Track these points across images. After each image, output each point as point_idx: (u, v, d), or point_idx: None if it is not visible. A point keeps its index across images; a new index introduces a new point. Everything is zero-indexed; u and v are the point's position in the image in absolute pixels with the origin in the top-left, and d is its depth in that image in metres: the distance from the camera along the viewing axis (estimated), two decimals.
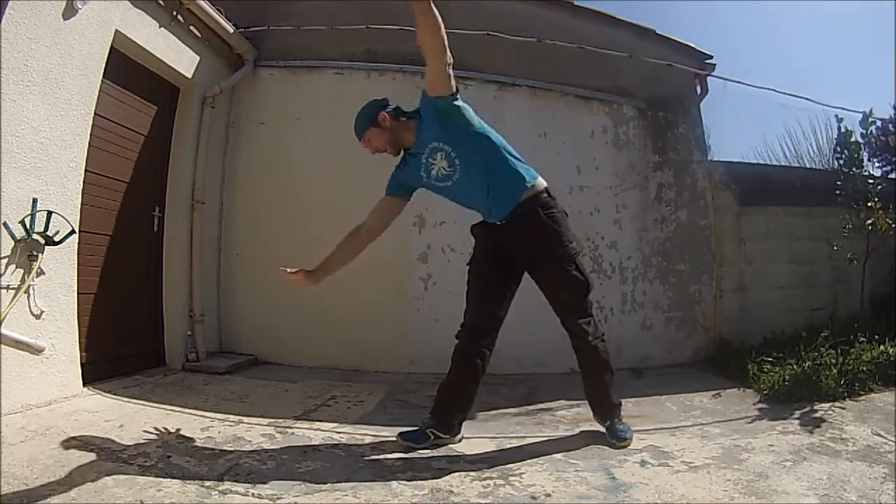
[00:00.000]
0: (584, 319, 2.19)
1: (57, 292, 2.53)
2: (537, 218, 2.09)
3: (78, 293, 2.66)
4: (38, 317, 2.41)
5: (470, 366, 2.16)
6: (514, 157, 2.14)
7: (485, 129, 2.12)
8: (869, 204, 3.53)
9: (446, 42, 1.97)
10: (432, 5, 1.91)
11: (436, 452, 2.06)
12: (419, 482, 1.77)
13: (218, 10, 3.57)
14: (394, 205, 2.24)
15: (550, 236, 2.13)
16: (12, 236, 2.29)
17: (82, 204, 2.69)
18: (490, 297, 2.22)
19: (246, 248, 3.90)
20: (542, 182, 2.17)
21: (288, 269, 2.14)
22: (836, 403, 2.65)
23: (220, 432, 2.19)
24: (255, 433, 2.21)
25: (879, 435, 2.22)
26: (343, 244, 2.24)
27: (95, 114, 2.74)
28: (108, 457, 1.85)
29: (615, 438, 2.14)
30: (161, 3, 3.13)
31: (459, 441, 2.18)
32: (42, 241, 2.40)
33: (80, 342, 2.65)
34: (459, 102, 2.05)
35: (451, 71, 1.99)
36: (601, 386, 2.23)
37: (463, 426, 2.23)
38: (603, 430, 2.22)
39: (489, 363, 2.20)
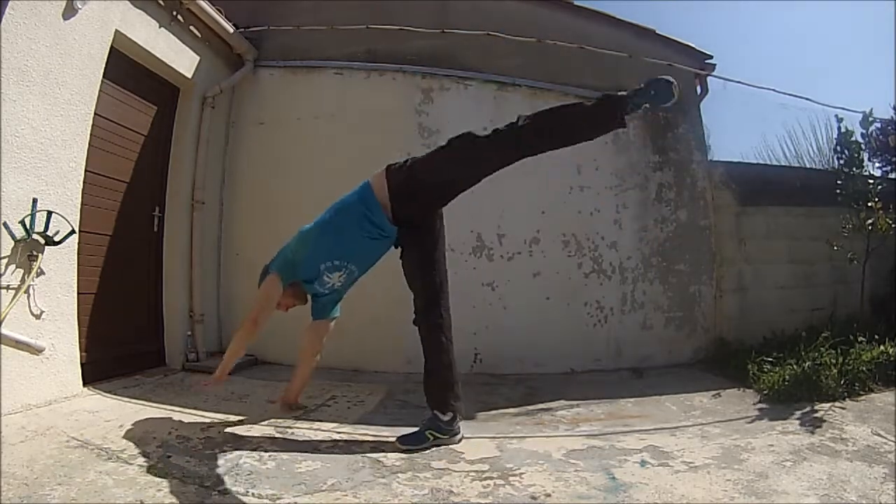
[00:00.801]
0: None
1: (57, 292, 2.53)
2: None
3: (78, 293, 2.66)
4: (38, 317, 2.41)
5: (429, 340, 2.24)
6: (341, 203, 2.29)
7: (319, 225, 2.29)
8: (869, 204, 3.53)
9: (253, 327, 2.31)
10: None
11: (436, 452, 2.06)
12: (419, 482, 1.77)
13: (218, 10, 3.57)
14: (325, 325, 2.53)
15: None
16: (12, 236, 2.29)
17: (82, 204, 2.69)
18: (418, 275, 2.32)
19: (246, 248, 3.89)
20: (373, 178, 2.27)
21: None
22: (836, 403, 2.65)
23: (220, 432, 2.19)
24: (255, 433, 2.21)
25: (879, 435, 2.22)
26: (303, 365, 2.58)
27: (95, 114, 2.74)
28: (108, 457, 1.85)
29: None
30: (161, 3, 3.13)
31: (459, 441, 2.18)
32: (42, 241, 2.40)
33: (80, 342, 2.65)
34: (286, 270, 2.30)
35: (273, 297, 2.29)
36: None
37: (462, 426, 2.23)
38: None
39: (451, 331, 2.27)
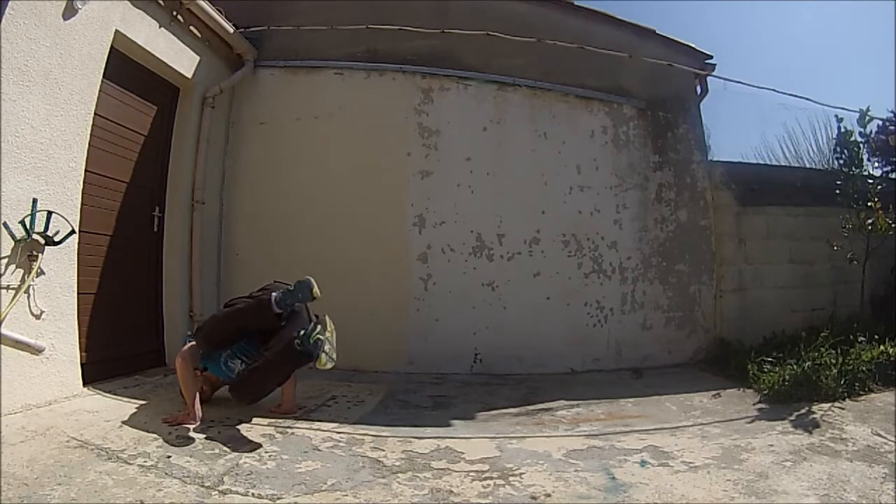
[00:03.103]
0: None
1: (57, 292, 2.52)
2: None
3: (78, 293, 2.66)
4: (38, 317, 2.41)
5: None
6: None
7: None
8: (869, 204, 3.53)
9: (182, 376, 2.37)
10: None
11: (436, 452, 2.06)
12: (419, 482, 1.77)
13: (218, 10, 3.57)
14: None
15: None
16: (12, 236, 2.29)
17: (82, 204, 2.68)
18: None
19: (246, 248, 3.90)
20: None
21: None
22: (836, 403, 2.65)
23: (220, 432, 2.19)
24: (255, 433, 2.21)
25: (879, 435, 2.22)
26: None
27: (95, 114, 2.73)
28: (108, 457, 1.85)
29: None
30: (161, 3, 3.13)
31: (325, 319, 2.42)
32: (42, 241, 2.40)
33: (80, 342, 2.64)
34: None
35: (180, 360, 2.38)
36: None
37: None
38: None
39: None
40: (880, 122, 4.10)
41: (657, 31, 4.30)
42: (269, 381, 2.39)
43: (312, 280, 2.50)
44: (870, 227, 3.53)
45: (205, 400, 2.48)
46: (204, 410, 2.34)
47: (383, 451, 2.07)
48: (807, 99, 4.22)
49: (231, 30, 3.70)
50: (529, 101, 4.08)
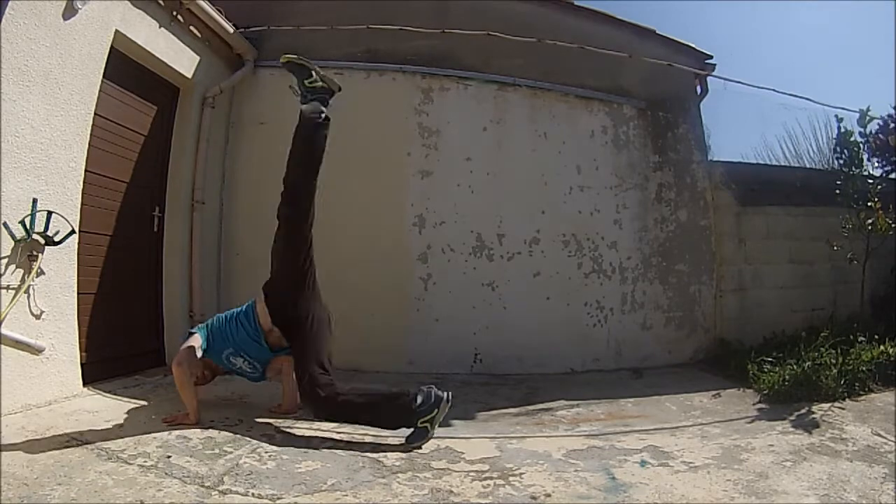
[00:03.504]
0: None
1: (57, 292, 2.53)
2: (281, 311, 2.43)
3: (78, 293, 2.66)
4: (38, 317, 2.41)
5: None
6: (236, 314, 2.51)
7: (216, 328, 2.48)
8: (869, 204, 3.52)
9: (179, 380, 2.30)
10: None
11: (436, 452, 2.06)
12: (419, 482, 1.77)
13: (218, 10, 3.57)
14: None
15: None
16: (12, 236, 2.29)
17: (82, 204, 2.68)
18: None
19: (246, 248, 3.89)
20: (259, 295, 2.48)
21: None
22: (836, 403, 2.65)
23: (219, 432, 2.19)
24: (255, 433, 2.21)
25: (879, 435, 2.22)
26: (286, 380, 2.59)
27: (95, 114, 2.73)
28: (109, 457, 1.85)
29: None
30: (161, 3, 3.13)
31: (450, 399, 2.19)
32: (42, 241, 2.40)
33: (80, 342, 2.65)
34: (202, 333, 2.45)
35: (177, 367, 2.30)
36: None
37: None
38: None
39: None
40: (880, 122, 4.09)
41: (657, 31, 4.30)
42: (360, 416, 2.26)
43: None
44: (870, 227, 3.53)
45: (201, 383, 2.48)
46: (204, 410, 2.34)
47: (383, 451, 2.07)
48: (807, 99, 4.23)
49: (231, 30, 3.70)
50: (529, 101, 4.08)
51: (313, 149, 2.54)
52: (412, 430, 2.15)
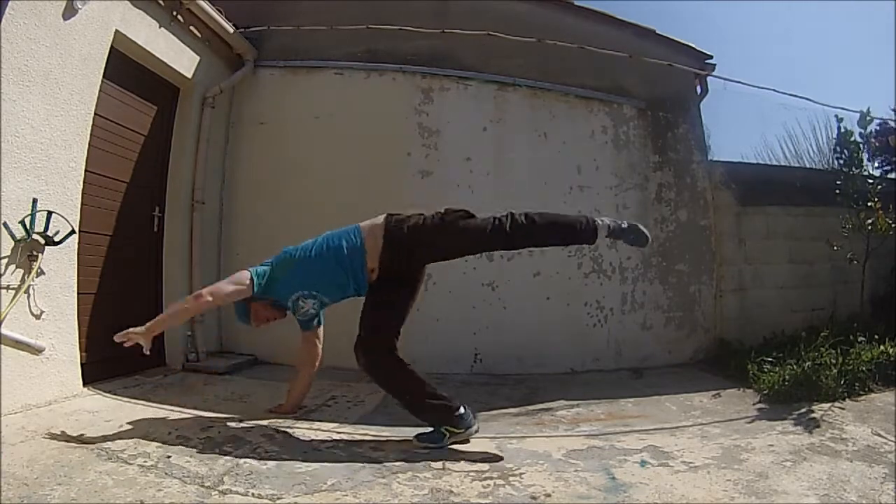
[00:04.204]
0: (498, 226, 2.18)
1: (57, 292, 2.53)
2: (397, 240, 2.22)
3: (78, 293, 2.66)
4: (38, 317, 2.41)
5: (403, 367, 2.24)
6: (335, 240, 2.27)
7: (302, 255, 2.28)
8: (869, 204, 3.52)
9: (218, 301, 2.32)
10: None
11: (436, 452, 2.06)
12: (419, 482, 1.77)
13: (218, 10, 3.57)
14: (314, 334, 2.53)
15: (419, 233, 2.22)
16: (12, 236, 2.29)
17: (82, 204, 2.69)
18: (405, 312, 2.34)
19: (246, 248, 3.89)
20: (376, 222, 2.27)
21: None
22: (836, 403, 2.65)
23: (220, 432, 2.19)
24: (255, 433, 2.21)
25: (879, 435, 2.22)
26: (301, 374, 2.58)
27: (95, 114, 2.74)
28: (109, 457, 1.85)
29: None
30: (161, 3, 3.13)
31: (476, 431, 2.16)
32: (42, 241, 2.40)
33: (80, 342, 2.65)
34: (262, 280, 2.26)
35: (234, 287, 2.26)
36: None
37: (479, 425, 2.22)
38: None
39: None
40: (880, 122, 4.10)
41: (657, 31, 4.29)
42: (413, 393, 2.19)
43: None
44: (870, 227, 3.53)
45: (263, 324, 2.41)
46: (204, 410, 2.34)
47: (383, 451, 2.07)
48: (807, 99, 4.22)
49: (231, 30, 3.70)
50: (529, 101, 4.08)
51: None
52: (431, 430, 2.14)
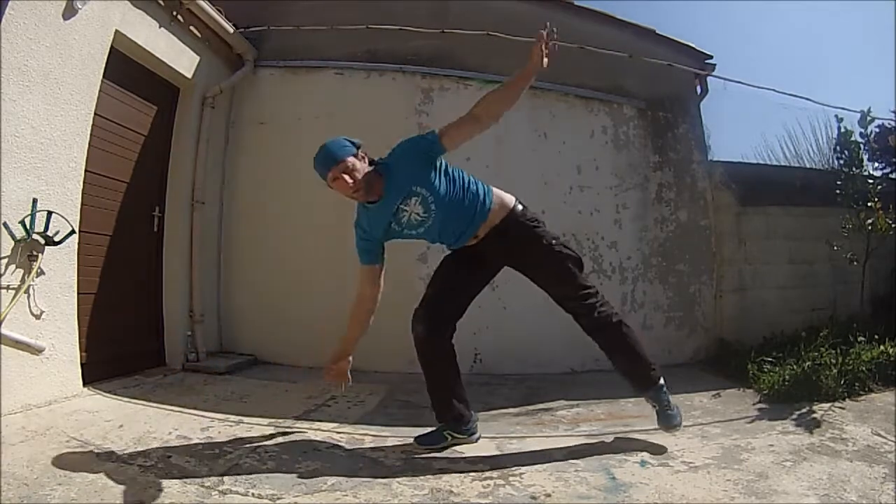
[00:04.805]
0: (585, 295, 2.13)
1: (57, 292, 2.53)
2: (520, 230, 2.11)
3: (78, 293, 2.66)
4: (38, 317, 2.41)
5: (441, 354, 2.17)
6: (476, 185, 2.12)
7: (451, 167, 2.12)
8: (869, 204, 3.52)
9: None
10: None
11: (436, 453, 2.06)
12: (419, 482, 1.77)
13: (218, 10, 3.57)
14: (376, 271, 2.19)
15: (536, 237, 2.12)
16: (12, 236, 2.29)
17: (82, 204, 2.68)
18: (463, 291, 2.22)
19: (246, 248, 3.89)
20: (505, 199, 2.15)
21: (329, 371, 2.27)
22: (836, 403, 2.65)
23: (220, 432, 2.19)
24: (255, 433, 2.21)
25: (879, 435, 2.22)
26: (355, 322, 2.29)
27: (95, 114, 2.73)
28: (108, 457, 1.85)
29: (662, 422, 2.12)
30: (161, 3, 3.13)
31: (477, 440, 2.17)
32: (42, 241, 2.40)
33: (80, 342, 2.65)
34: (436, 150, 2.04)
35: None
36: (632, 356, 2.14)
37: (479, 425, 2.23)
38: (650, 404, 2.17)
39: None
40: (880, 123, 4.09)
41: (657, 31, 4.29)
42: (449, 379, 2.17)
43: None
44: (870, 227, 3.53)
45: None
46: (204, 410, 2.34)
47: (383, 451, 2.07)
48: (807, 99, 4.21)
49: (231, 30, 3.70)
50: (529, 100, 4.07)
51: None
52: (431, 431, 2.14)
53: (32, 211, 2.36)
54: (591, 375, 3.69)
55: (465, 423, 2.15)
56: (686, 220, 4.22)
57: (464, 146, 4.22)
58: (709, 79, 4.40)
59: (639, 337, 2.19)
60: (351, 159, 1.98)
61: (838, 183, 3.74)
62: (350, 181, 1.95)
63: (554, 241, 2.12)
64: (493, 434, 2.31)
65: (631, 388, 2.22)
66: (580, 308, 2.13)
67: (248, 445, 2.06)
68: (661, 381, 2.17)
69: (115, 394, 2.67)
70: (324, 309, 3.70)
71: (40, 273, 2.42)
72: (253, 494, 1.64)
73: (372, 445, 2.13)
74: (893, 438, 2.16)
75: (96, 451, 1.89)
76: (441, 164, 2.06)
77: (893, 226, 3.47)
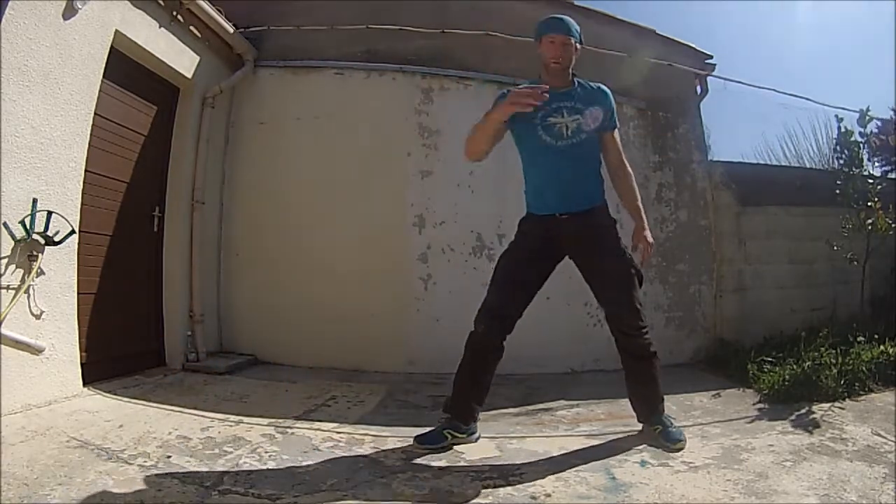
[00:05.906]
0: (637, 313, 2.26)
1: (57, 292, 2.52)
2: (606, 220, 2.32)
3: (78, 293, 2.66)
4: (38, 317, 2.41)
5: (491, 356, 2.26)
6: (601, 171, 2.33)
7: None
8: (869, 204, 3.53)
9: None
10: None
11: (436, 452, 2.06)
12: (419, 482, 1.77)
13: (218, 10, 3.57)
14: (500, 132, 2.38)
15: (614, 235, 2.34)
16: (12, 236, 2.29)
17: (82, 204, 2.68)
18: (525, 290, 2.36)
19: (246, 248, 3.89)
20: None
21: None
22: (836, 403, 2.65)
23: (220, 432, 2.19)
24: (255, 433, 2.21)
25: (879, 435, 2.22)
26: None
27: (95, 114, 2.73)
28: (108, 457, 1.85)
29: (669, 442, 2.12)
30: (161, 3, 3.13)
31: (477, 440, 2.18)
32: (42, 241, 2.40)
33: (80, 342, 2.64)
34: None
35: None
36: (651, 384, 2.27)
37: (479, 425, 2.23)
38: (651, 430, 2.20)
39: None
40: (880, 122, 4.10)
41: (657, 31, 4.29)
42: (475, 377, 2.25)
43: None
44: (870, 227, 3.53)
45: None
46: (204, 410, 2.34)
47: (383, 451, 2.07)
48: (807, 99, 4.23)
49: (231, 30, 3.70)
50: None
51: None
52: (431, 431, 2.14)
53: (32, 211, 2.36)
54: (591, 375, 3.69)
55: (466, 423, 2.16)
56: (686, 220, 4.22)
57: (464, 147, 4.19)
58: (709, 79, 4.40)
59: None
60: (577, 44, 2.39)
61: (838, 183, 3.74)
62: (563, 53, 2.37)
63: (625, 247, 2.29)
64: (493, 434, 2.31)
65: (638, 413, 2.28)
66: (628, 327, 2.26)
67: (248, 445, 2.06)
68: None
69: (115, 394, 2.67)
70: (324, 309, 3.71)
71: (40, 273, 2.42)
72: (253, 494, 1.64)
73: (372, 445, 2.13)
74: (893, 438, 2.17)
75: (96, 451, 1.89)
76: (603, 125, 2.27)
77: (893, 225, 3.47)
